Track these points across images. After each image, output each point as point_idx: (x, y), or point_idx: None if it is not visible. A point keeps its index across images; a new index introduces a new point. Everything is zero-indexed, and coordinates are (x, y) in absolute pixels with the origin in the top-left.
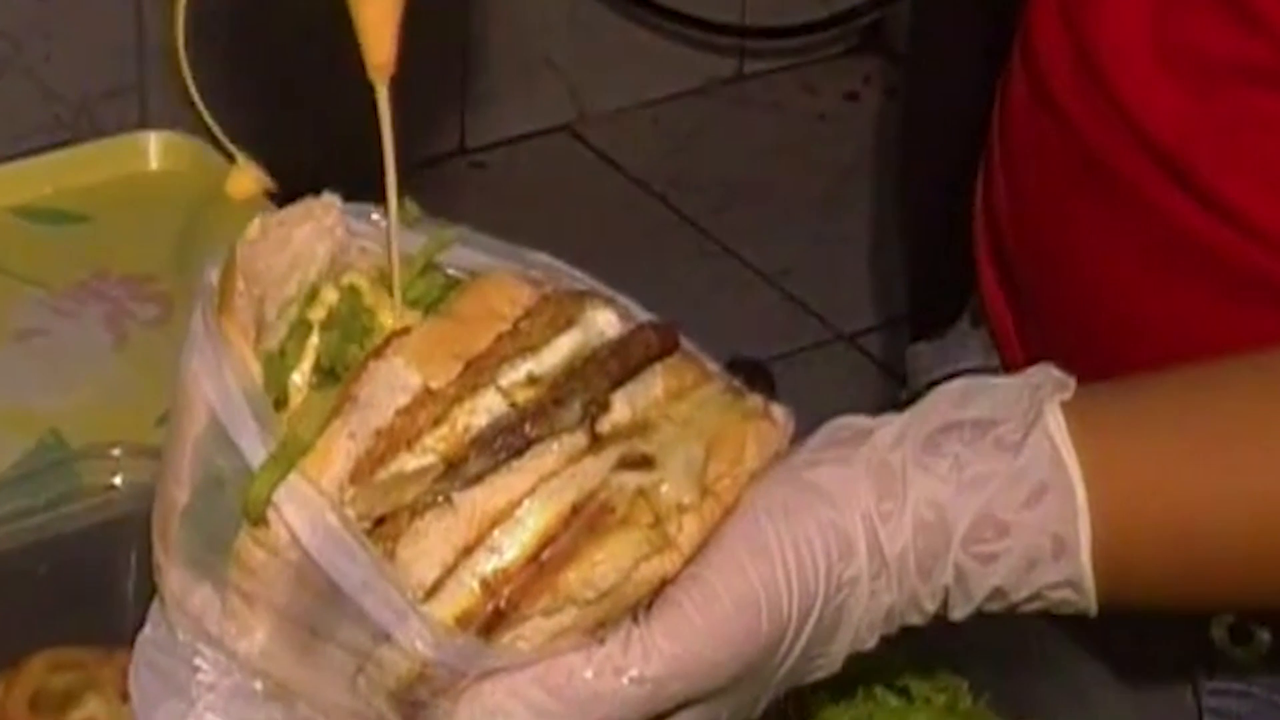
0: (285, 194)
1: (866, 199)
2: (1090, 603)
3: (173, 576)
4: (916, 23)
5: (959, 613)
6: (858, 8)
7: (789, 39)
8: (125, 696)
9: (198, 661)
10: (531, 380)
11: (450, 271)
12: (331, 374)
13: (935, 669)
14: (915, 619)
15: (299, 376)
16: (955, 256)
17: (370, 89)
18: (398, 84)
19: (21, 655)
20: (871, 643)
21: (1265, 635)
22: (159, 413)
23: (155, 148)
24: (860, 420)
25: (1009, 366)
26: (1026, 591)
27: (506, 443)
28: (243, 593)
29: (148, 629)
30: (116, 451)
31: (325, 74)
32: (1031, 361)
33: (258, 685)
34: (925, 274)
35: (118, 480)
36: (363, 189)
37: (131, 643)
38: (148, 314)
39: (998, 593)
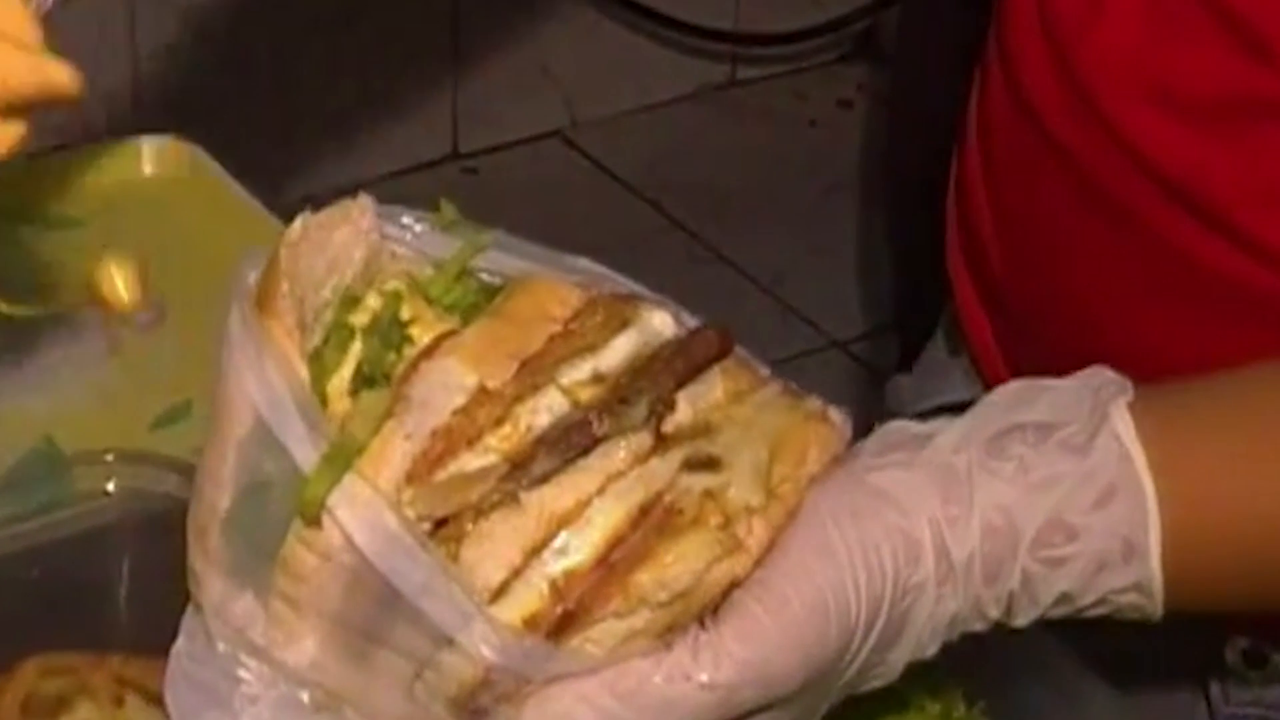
0: (284, 194)
1: (858, 206)
2: (1157, 606)
3: (212, 585)
4: (903, 29)
5: (1022, 619)
6: (850, 15)
7: (782, 46)
8: (117, 701)
9: (240, 673)
10: (595, 379)
11: (483, 277)
12: (369, 381)
13: (931, 676)
14: (977, 625)
15: (339, 381)
16: (942, 264)
17: (370, 90)
18: (391, 88)
19: (14, 660)
20: (932, 650)
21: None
22: (152, 418)
23: (149, 153)
24: (914, 425)
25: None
26: (1093, 596)
27: (575, 440)
28: (290, 599)
29: (182, 641)
30: (110, 457)
31: (326, 74)
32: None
33: (305, 696)
34: (913, 282)
35: (111, 486)
36: (362, 188)
37: (123, 648)
38: (141, 320)
39: (1064, 598)
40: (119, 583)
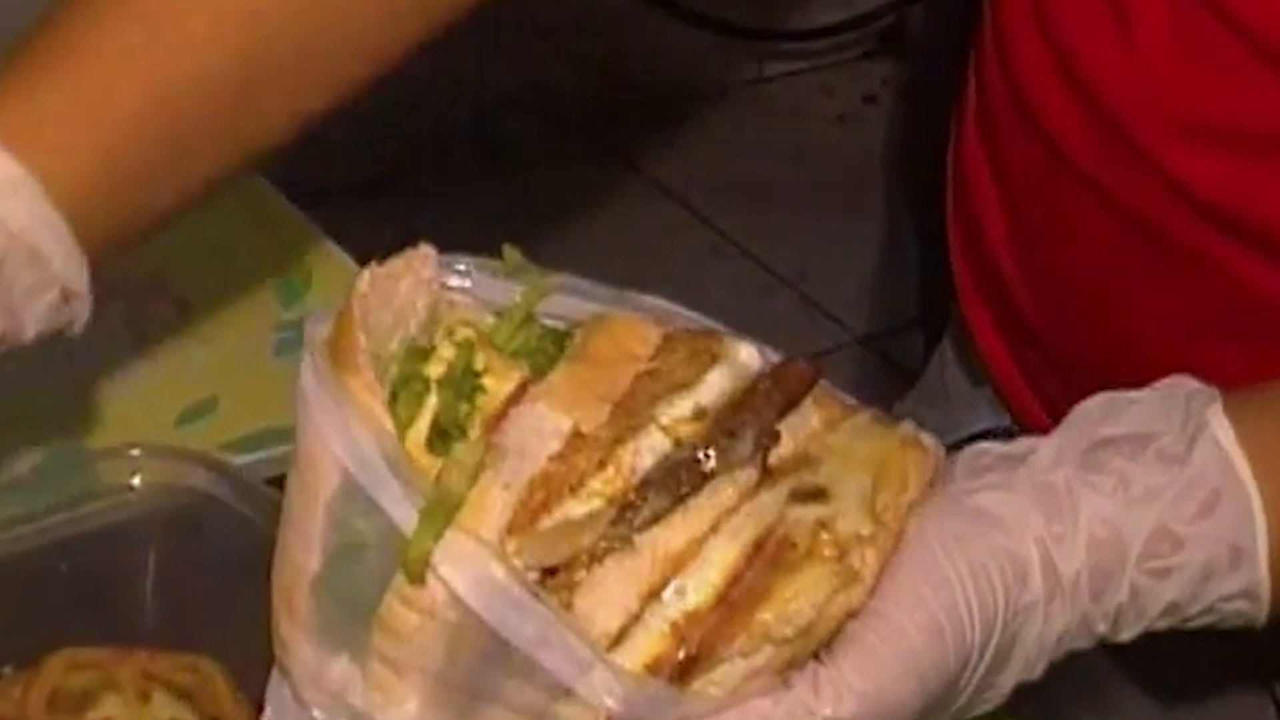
0: (305, 187)
1: (883, 202)
2: (1263, 611)
3: (304, 650)
4: (928, 25)
5: (1128, 633)
6: (876, 11)
7: (808, 42)
8: (143, 696)
9: None
10: (697, 415)
11: (546, 321)
12: (444, 433)
13: None
14: (1083, 643)
15: (416, 434)
16: None
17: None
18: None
19: (40, 655)
20: (1040, 670)
21: None
22: (177, 413)
23: None
24: (998, 445)
25: (1023, 418)
26: (1200, 605)
27: (685, 479)
28: (390, 661)
29: (270, 712)
30: (135, 452)
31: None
32: (1052, 407)
33: None
34: (938, 278)
35: (136, 480)
36: (365, 193)
37: (150, 643)
38: (167, 315)
39: (1172, 608)
40: (145, 577)
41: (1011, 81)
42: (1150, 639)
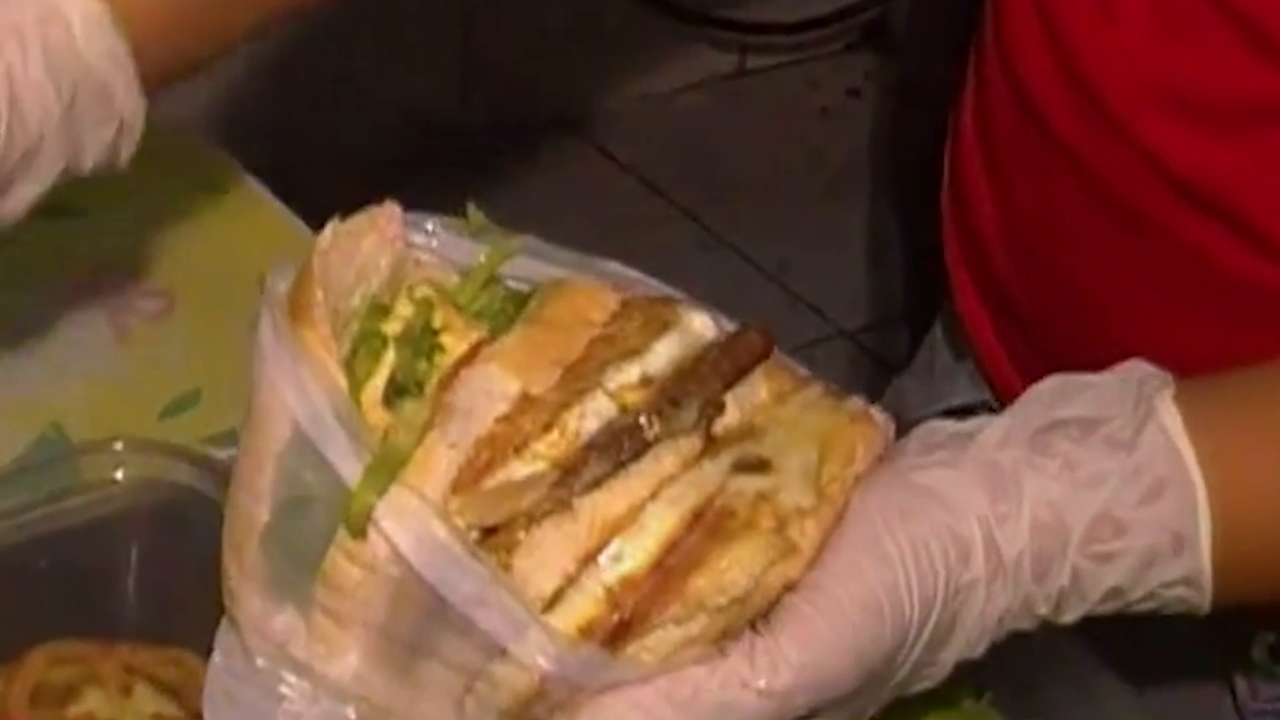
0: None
1: (866, 195)
2: (1205, 599)
3: (251, 599)
4: (911, 18)
5: (1070, 615)
6: (859, 4)
7: (791, 35)
8: (125, 690)
9: (282, 689)
10: (644, 382)
11: (509, 283)
12: (401, 389)
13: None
14: (1025, 624)
15: (372, 390)
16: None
17: (378, 80)
18: (401, 77)
19: (22, 649)
20: (980, 649)
21: None
22: (160, 407)
23: (156, 142)
24: (951, 424)
25: (1004, 395)
26: (1142, 591)
27: (627, 445)
28: (333, 613)
29: (218, 657)
30: (118, 446)
31: (334, 62)
32: (1030, 382)
33: (350, 712)
34: (921, 271)
35: (119, 475)
36: (366, 191)
37: (131, 636)
38: (150, 308)
39: (1114, 593)
40: (127, 571)
41: (1010, 74)
42: (1128, 625)
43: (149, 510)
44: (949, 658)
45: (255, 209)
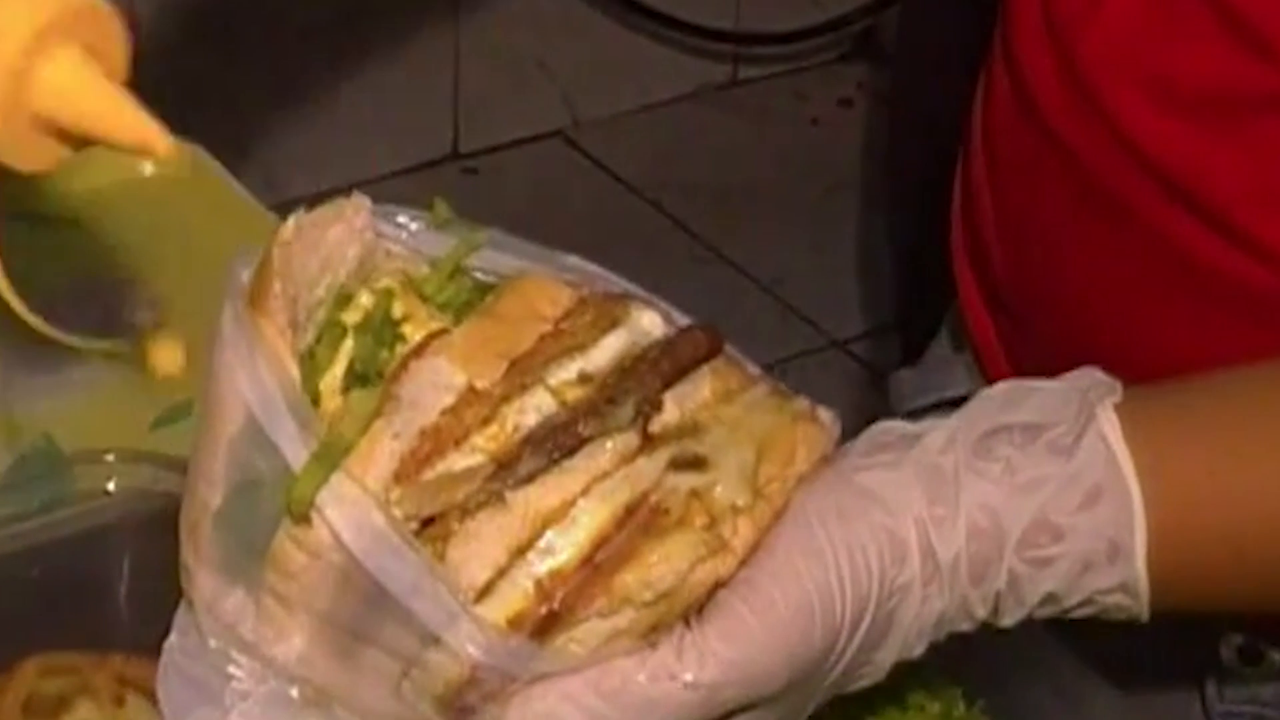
0: (284, 194)
1: (858, 205)
2: (1143, 607)
3: (204, 581)
4: (904, 29)
5: (1009, 619)
6: (850, 14)
7: (782, 45)
8: (118, 701)
9: (231, 669)
10: (583, 379)
11: (478, 275)
12: (362, 378)
13: (930, 677)
14: (965, 625)
15: (331, 379)
16: (944, 264)
17: (370, 90)
18: (391, 88)
19: (14, 660)
20: (919, 650)
21: (1276, 656)
22: (152, 418)
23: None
24: (902, 424)
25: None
26: (1079, 596)
27: (560, 441)
28: (280, 596)
29: (175, 636)
30: (110, 457)
31: (326, 74)
32: (1021, 376)
33: (294, 692)
34: (914, 281)
35: (111, 485)
36: (362, 188)
37: (124, 648)
38: (142, 318)
39: (1050, 598)
40: (120, 582)
41: (1007, 50)
42: (1106, 626)
43: (141, 521)
44: (886, 658)
45: (250, 222)
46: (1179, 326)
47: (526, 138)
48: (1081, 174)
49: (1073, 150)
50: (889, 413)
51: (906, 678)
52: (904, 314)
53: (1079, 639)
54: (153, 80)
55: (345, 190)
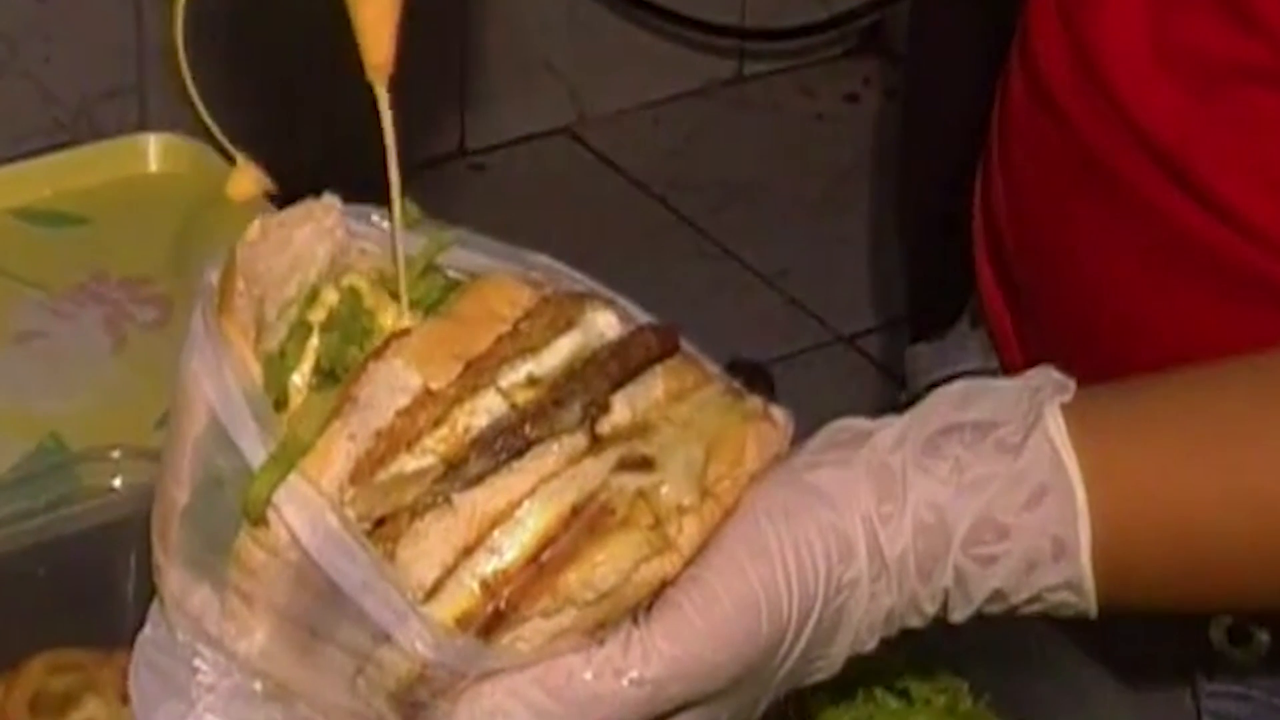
0: (286, 195)
1: (865, 200)
2: (1090, 604)
3: (172, 577)
4: (915, 23)
5: (958, 615)
6: (857, 9)
7: (788, 41)
8: (125, 698)
9: (197, 662)
10: (531, 381)
11: (451, 273)
12: (331, 376)
13: (935, 670)
14: (915, 621)
15: (299, 378)
16: (954, 257)
17: (371, 89)
18: (397, 85)
19: (21, 657)
20: (871, 645)
21: (1264, 636)
22: (158, 415)
23: (154, 150)
24: (860, 422)
25: (1008, 368)
26: (1026, 594)
27: (506, 443)
28: (242, 593)
29: (147, 629)
30: (116, 454)
31: (326, 74)
32: (1031, 363)
33: (257, 686)
34: (924, 275)
35: (117, 482)
36: (364, 189)
37: (131, 645)
38: (147, 316)
39: (997, 595)
40: (126, 579)
41: (1023, 35)
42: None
43: (147, 518)
44: (839, 653)
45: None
46: (1178, 304)
47: (533, 134)
48: (1085, 151)
49: (1078, 128)
50: (898, 403)
51: (913, 671)
52: (911, 309)
53: (1080, 630)
54: (159, 79)
55: (350, 188)
